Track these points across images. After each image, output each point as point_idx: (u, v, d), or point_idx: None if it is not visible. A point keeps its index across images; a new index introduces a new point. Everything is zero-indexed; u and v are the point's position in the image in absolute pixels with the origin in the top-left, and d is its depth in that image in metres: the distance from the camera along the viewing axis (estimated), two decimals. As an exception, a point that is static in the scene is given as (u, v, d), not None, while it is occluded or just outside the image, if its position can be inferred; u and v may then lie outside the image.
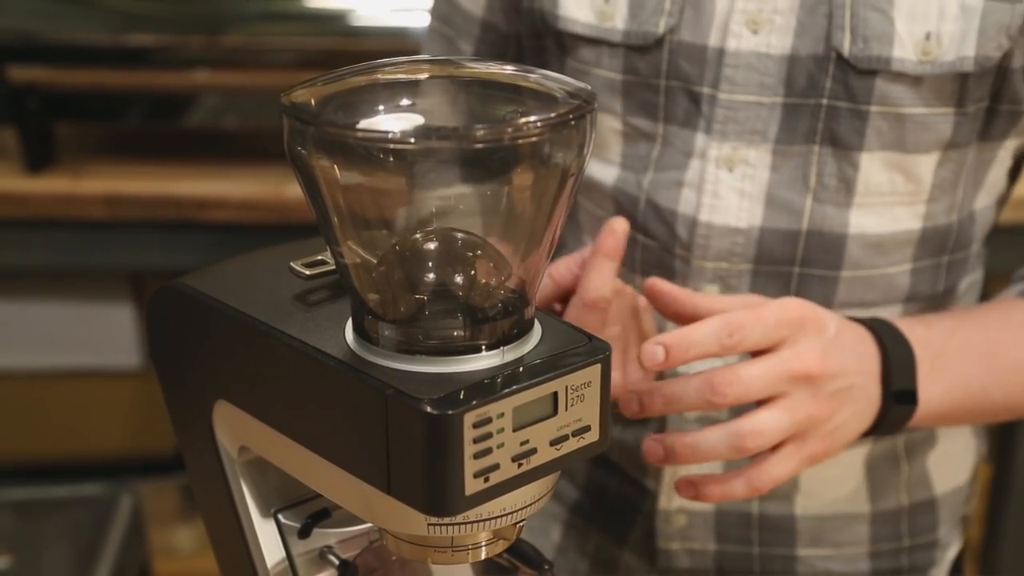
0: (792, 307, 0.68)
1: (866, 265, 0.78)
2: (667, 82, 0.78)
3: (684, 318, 0.70)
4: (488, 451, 0.47)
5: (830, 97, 0.74)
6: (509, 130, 0.46)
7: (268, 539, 0.60)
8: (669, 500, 0.85)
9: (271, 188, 1.63)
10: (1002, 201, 0.85)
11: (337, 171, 0.47)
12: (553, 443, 0.49)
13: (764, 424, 0.66)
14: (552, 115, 0.47)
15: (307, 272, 0.55)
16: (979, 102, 0.75)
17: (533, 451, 0.49)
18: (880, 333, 0.71)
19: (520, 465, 0.49)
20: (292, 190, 1.61)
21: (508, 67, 0.51)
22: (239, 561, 0.61)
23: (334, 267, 0.55)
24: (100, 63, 1.67)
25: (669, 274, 0.81)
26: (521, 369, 0.49)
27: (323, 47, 1.67)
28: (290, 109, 0.47)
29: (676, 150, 0.79)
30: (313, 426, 0.51)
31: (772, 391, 0.66)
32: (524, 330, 0.51)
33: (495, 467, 0.48)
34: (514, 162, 0.47)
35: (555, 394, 0.49)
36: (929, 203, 0.78)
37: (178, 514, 2.02)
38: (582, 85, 0.49)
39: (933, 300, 0.83)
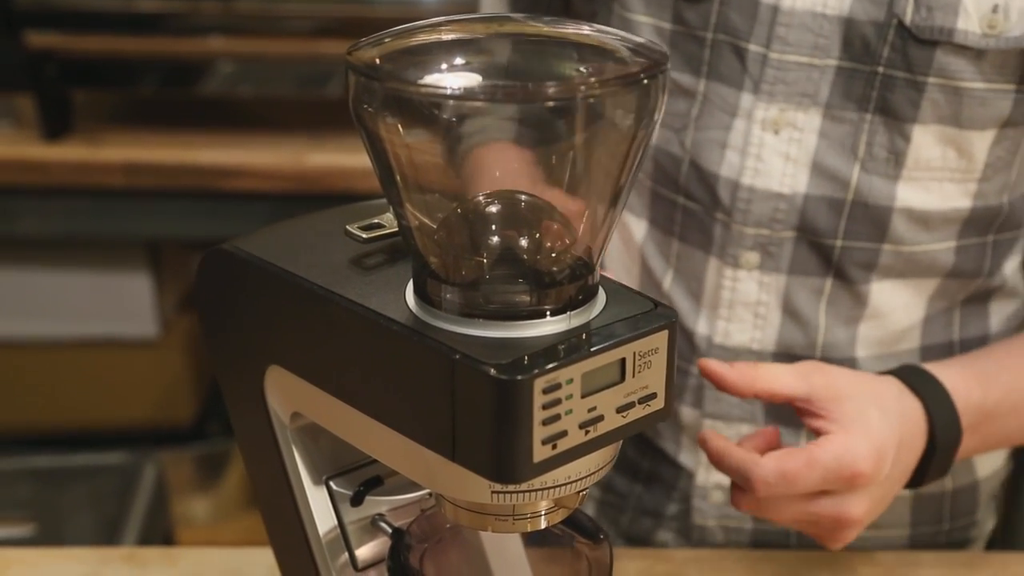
0: (846, 464, 0.64)
1: (909, 241, 0.77)
2: (714, 35, 0.76)
3: (744, 395, 0.67)
4: (557, 417, 0.46)
5: (887, 65, 0.72)
6: (581, 87, 0.45)
7: (320, 506, 0.59)
8: (707, 476, 0.84)
9: (292, 157, 1.62)
10: None
11: (402, 129, 0.46)
12: (619, 410, 0.49)
13: (773, 518, 0.67)
14: (624, 73, 0.46)
15: (364, 235, 0.54)
16: None
17: (600, 418, 0.48)
18: (935, 423, 0.69)
19: (587, 432, 0.48)
20: (314, 159, 1.60)
21: (585, 27, 0.50)
22: (290, 528, 0.60)
23: (391, 230, 0.54)
24: (116, 29, 1.66)
25: (709, 239, 0.79)
26: (589, 335, 0.48)
27: (338, 14, 1.65)
28: (356, 66, 0.46)
29: (718, 109, 0.77)
30: (373, 392, 0.50)
31: (795, 521, 0.67)
32: (589, 295, 0.50)
33: (563, 434, 0.47)
34: (583, 121, 0.46)
35: (623, 360, 0.48)
36: (981, 182, 0.76)
37: (196, 484, 2.02)
38: (655, 45, 0.48)
39: (976, 279, 0.81)
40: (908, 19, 0.70)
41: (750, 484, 0.64)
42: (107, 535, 1.40)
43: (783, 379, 0.66)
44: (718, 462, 0.66)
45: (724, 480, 0.83)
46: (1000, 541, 2.13)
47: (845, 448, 0.65)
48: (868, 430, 0.65)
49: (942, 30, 0.70)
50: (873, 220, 0.76)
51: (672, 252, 0.82)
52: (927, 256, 0.78)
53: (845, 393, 0.67)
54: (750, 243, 0.78)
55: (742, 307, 0.79)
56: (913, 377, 0.71)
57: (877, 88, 0.73)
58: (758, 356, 0.80)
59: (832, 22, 0.72)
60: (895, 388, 0.69)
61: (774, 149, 0.75)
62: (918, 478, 0.71)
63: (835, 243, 0.77)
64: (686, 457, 0.85)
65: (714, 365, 0.66)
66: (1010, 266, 0.83)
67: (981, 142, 0.74)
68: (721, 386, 0.66)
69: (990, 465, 0.89)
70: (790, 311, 0.79)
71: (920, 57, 0.71)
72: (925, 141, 0.74)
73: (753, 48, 0.74)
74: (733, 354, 0.81)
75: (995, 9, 0.70)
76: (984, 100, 0.72)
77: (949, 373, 0.71)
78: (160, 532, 1.51)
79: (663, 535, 0.88)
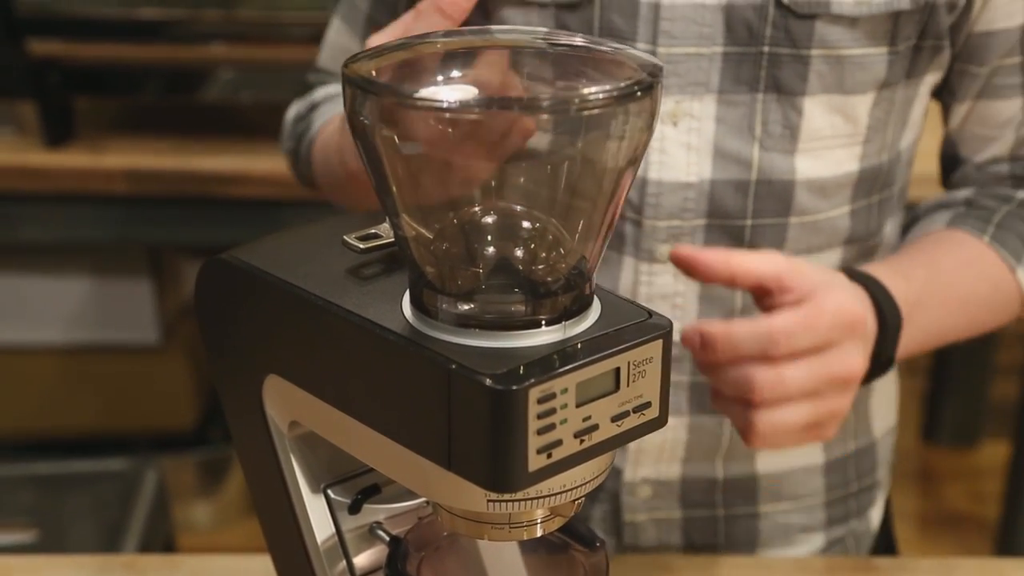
0: (846, 310, 0.67)
1: (812, 210, 0.79)
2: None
3: (722, 281, 0.68)
4: (552, 427, 0.47)
5: (771, 44, 0.75)
6: (576, 100, 0.45)
7: (317, 514, 0.59)
8: (635, 472, 0.85)
9: (293, 163, 1.62)
10: (912, 147, 0.87)
11: (397, 141, 0.46)
12: (615, 419, 0.49)
13: (785, 419, 0.66)
14: (620, 85, 0.46)
15: (361, 245, 0.54)
16: (907, 40, 0.77)
17: (595, 427, 0.48)
18: (881, 304, 0.72)
19: (582, 441, 0.48)
20: (315, 165, 1.60)
21: (577, 38, 0.50)
22: (288, 536, 0.60)
23: (388, 241, 0.55)
24: (118, 37, 1.67)
25: (620, 239, 0.80)
26: (584, 344, 0.48)
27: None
28: (351, 78, 0.46)
29: None
30: (370, 401, 0.51)
31: (810, 392, 0.67)
32: (584, 305, 0.50)
33: (558, 443, 0.47)
34: (578, 133, 0.46)
35: (617, 370, 0.48)
36: (865, 144, 0.79)
37: (197, 490, 2.02)
38: (650, 58, 0.48)
39: (868, 242, 0.84)
40: None
41: (772, 337, 0.64)
42: (108, 541, 1.41)
43: (754, 259, 0.68)
44: (726, 340, 0.65)
45: (651, 474, 0.85)
46: (1001, 545, 2.12)
47: (839, 299, 0.67)
48: (846, 289, 0.68)
49: (818, 3, 0.74)
50: (777, 196, 0.78)
51: None
52: (828, 223, 0.80)
53: (809, 271, 0.69)
54: (663, 236, 0.79)
55: (660, 300, 0.80)
56: (847, 272, 0.73)
57: (765, 67, 0.76)
58: (677, 347, 0.81)
59: (713, 11, 0.75)
60: (842, 274, 0.72)
61: (675, 140, 0.77)
62: (870, 370, 0.72)
63: (745, 223, 0.79)
64: None
65: (687, 249, 0.67)
66: (889, 226, 0.87)
67: (863, 106, 0.78)
68: (696, 269, 0.67)
69: (885, 423, 0.92)
70: (707, 298, 0.80)
71: (801, 31, 0.74)
72: (815, 112, 0.77)
73: (641, 47, 0.76)
74: None
75: None
76: (862, 65, 0.76)
77: (874, 268, 0.74)
78: (161, 538, 1.52)
79: None
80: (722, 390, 0.68)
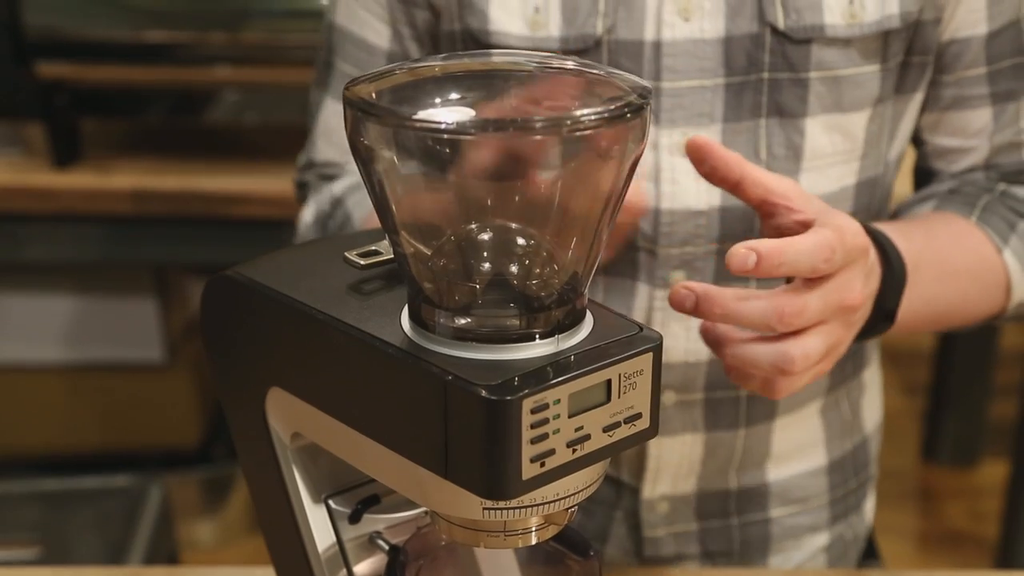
0: (859, 232, 0.65)
1: None
2: None
3: (730, 183, 0.67)
4: (544, 436, 0.48)
5: (770, 70, 0.78)
6: (567, 122, 0.47)
7: (319, 524, 0.61)
8: (653, 489, 0.87)
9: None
10: (900, 159, 0.88)
11: (397, 161, 0.48)
12: (606, 430, 0.50)
13: (812, 349, 0.64)
14: (610, 107, 0.48)
15: (361, 262, 0.56)
16: (896, 56, 0.80)
17: (587, 437, 0.50)
18: (887, 253, 0.71)
19: (575, 451, 0.49)
20: (318, 185, 1.63)
21: (569, 62, 0.52)
22: (290, 546, 0.62)
23: (388, 257, 0.56)
24: (125, 59, 1.69)
25: (635, 267, 0.81)
26: (577, 357, 0.50)
27: (344, 44, 1.67)
28: (352, 100, 0.48)
29: None
30: (370, 412, 0.52)
31: (821, 320, 0.64)
32: (577, 319, 0.52)
33: (551, 452, 0.49)
34: (570, 153, 0.48)
35: (609, 381, 0.50)
36: (862, 159, 0.82)
37: (201, 507, 2.03)
38: (640, 81, 0.50)
39: None
40: (781, 24, 0.77)
41: (823, 253, 0.62)
42: (112, 558, 1.42)
43: (767, 173, 0.67)
44: (780, 255, 0.61)
45: (668, 490, 0.87)
46: (1000, 564, 2.13)
47: (849, 222, 0.64)
48: (848, 217, 0.66)
49: (813, 28, 0.77)
50: None
51: (599, 288, 0.84)
52: None
53: (815, 199, 0.67)
54: (676, 262, 0.81)
55: (675, 322, 0.82)
56: None
57: (766, 93, 0.78)
58: (693, 367, 0.83)
59: (712, 44, 0.77)
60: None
61: (685, 171, 0.79)
62: (870, 321, 0.70)
63: None
64: (628, 475, 0.88)
65: (705, 140, 0.66)
66: None
67: (860, 122, 0.81)
68: (706, 161, 0.66)
69: (875, 418, 0.96)
70: None
71: (799, 56, 0.77)
72: (816, 131, 0.80)
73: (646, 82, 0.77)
74: (667, 368, 0.82)
75: (851, 1, 0.77)
76: (857, 83, 0.79)
77: (876, 224, 0.74)
78: (165, 555, 1.53)
79: (612, 554, 0.91)
80: (741, 352, 0.65)
